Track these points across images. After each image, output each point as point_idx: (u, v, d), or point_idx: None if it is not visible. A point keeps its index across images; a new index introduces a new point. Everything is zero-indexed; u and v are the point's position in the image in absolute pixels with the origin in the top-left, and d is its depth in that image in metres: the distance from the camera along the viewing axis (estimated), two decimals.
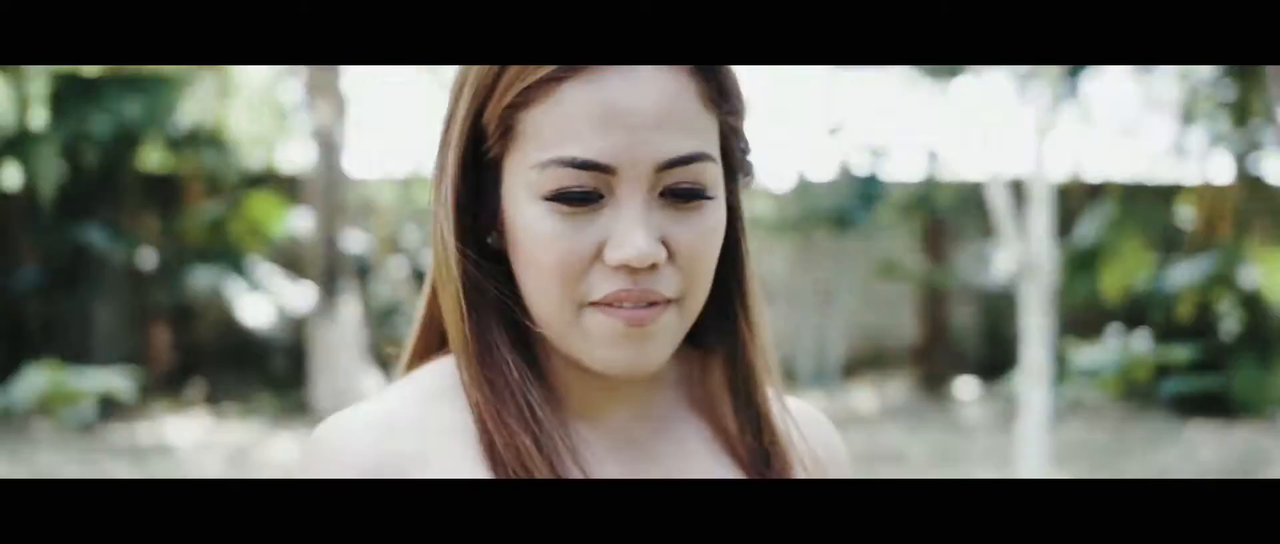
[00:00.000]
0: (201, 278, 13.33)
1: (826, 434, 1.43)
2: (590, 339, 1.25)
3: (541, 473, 1.25)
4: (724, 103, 1.27)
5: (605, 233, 1.22)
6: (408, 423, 1.28)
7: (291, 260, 13.81)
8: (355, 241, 13.48)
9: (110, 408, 12.25)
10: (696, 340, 1.34)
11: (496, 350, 1.29)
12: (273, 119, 16.12)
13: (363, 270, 13.69)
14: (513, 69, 1.23)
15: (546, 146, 1.22)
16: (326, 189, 12.38)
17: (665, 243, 1.23)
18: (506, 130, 1.24)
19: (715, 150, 1.25)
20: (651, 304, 1.23)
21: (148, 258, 13.63)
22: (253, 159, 15.07)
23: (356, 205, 13.86)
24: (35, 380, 11.67)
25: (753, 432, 1.35)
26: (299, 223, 13.52)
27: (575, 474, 1.27)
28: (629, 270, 1.22)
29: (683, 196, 1.23)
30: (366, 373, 12.40)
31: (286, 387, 13.45)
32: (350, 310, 12.38)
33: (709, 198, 1.25)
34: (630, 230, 1.21)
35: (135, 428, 11.99)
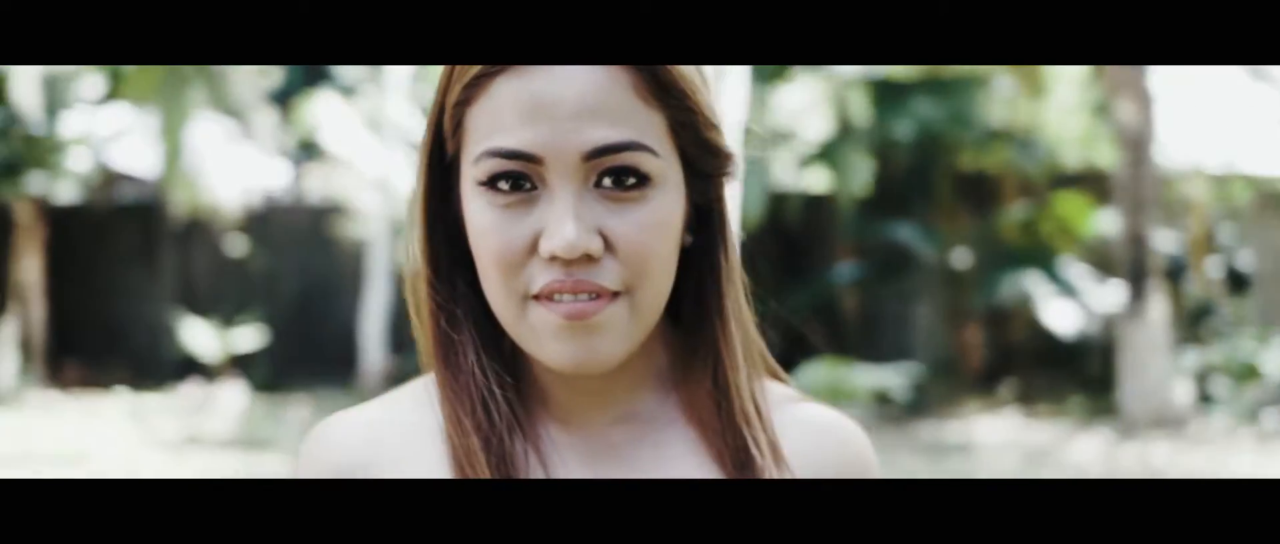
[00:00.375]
0: (1013, 281, 13.63)
1: (833, 442, 1.40)
2: (536, 333, 1.26)
3: (485, 474, 1.27)
4: (667, 97, 1.26)
5: (541, 224, 1.23)
6: (393, 425, 1.35)
7: (1102, 260, 13.84)
8: (1165, 240, 13.29)
9: (923, 404, 12.85)
10: (682, 340, 1.35)
11: (461, 352, 1.31)
12: (1085, 117, 16.17)
13: (1175, 270, 13.47)
14: (458, 69, 1.27)
15: (481, 139, 1.24)
16: (1134, 187, 12.32)
17: (603, 235, 1.23)
18: (456, 128, 1.28)
19: (656, 143, 1.25)
20: (595, 298, 1.23)
21: (961, 258, 14.14)
22: (1067, 158, 15.22)
23: (1168, 202, 13.65)
24: (814, 374, 12.32)
25: (731, 434, 1.33)
26: (1108, 222, 13.53)
27: (526, 476, 1.29)
28: (563, 262, 1.23)
29: (618, 187, 1.23)
30: (1176, 376, 12.23)
31: (1097, 389, 13.50)
32: (1158, 311, 12.25)
33: (647, 189, 1.24)
34: (561, 221, 1.22)
35: (945, 425, 12.52)
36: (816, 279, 14.13)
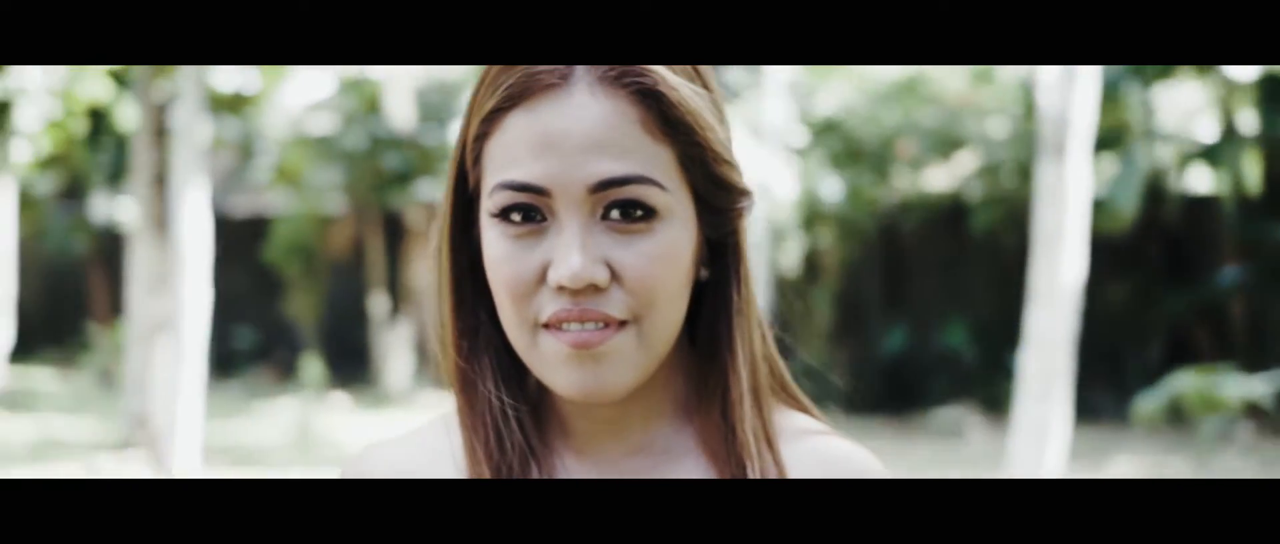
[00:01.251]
0: None
1: (846, 474, 1.42)
2: (546, 361, 1.33)
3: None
4: (675, 133, 1.32)
5: (550, 255, 1.31)
6: (422, 451, 1.45)
7: None
8: None
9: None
10: (695, 372, 1.42)
11: (480, 381, 1.40)
12: None
13: None
14: (477, 104, 1.35)
15: (496, 172, 1.32)
16: None
17: (610, 265, 1.30)
18: (476, 161, 1.36)
19: (663, 177, 1.31)
20: (603, 327, 1.30)
21: None
22: None
23: None
24: (1181, 382, 12.11)
25: (736, 465, 1.38)
26: None
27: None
28: (570, 292, 1.30)
29: (626, 219, 1.30)
30: None
31: None
32: None
33: (654, 221, 1.31)
34: (568, 252, 1.28)
35: None
36: (1201, 283, 14.02)
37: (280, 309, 17.71)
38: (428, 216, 16.91)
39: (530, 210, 1.31)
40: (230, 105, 15.47)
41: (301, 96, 16.01)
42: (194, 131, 9.99)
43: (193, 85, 10.16)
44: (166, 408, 10.15)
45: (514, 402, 1.39)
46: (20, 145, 14.09)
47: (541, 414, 1.42)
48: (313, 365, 16.28)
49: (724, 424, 1.38)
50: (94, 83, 13.56)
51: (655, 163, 1.31)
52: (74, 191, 19.15)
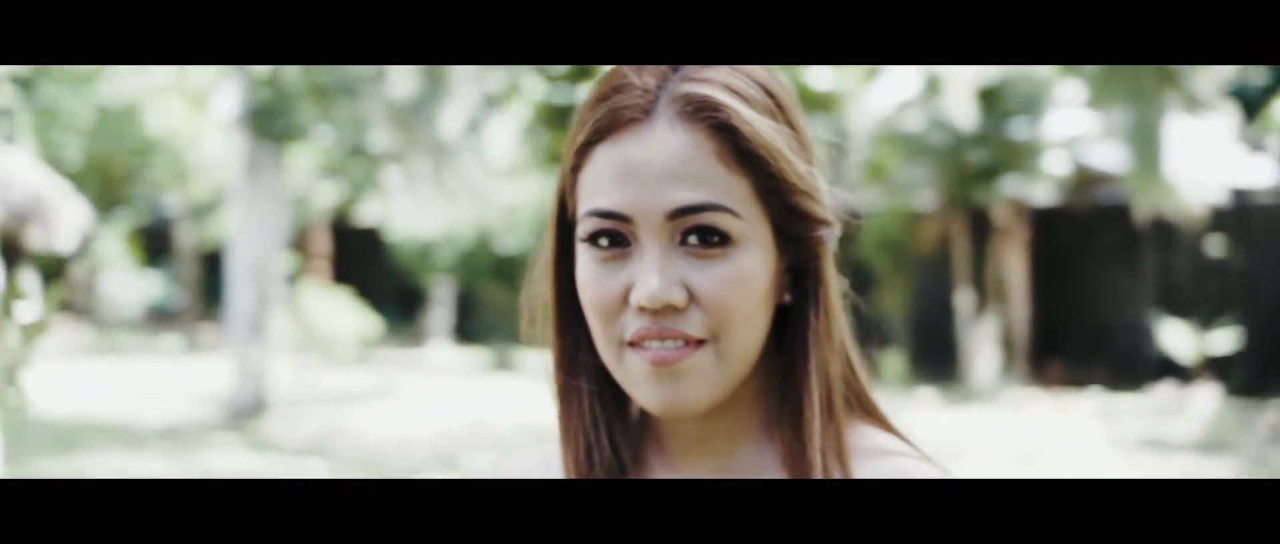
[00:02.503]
0: None
1: None
2: (631, 377, 1.44)
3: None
4: (750, 164, 1.42)
5: (632, 277, 1.42)
6: (545, 463, 1.60)
7: None
8: None
9: None
10: (776, 392, 1.51)
11: (577, 398, 1.52)
12: None
13: None
14: (571, 137, 1.47)
15: (586, 200, 1.44)
16: None
17: (688, 287, 1.41)
18: (572, 190, 1.48)
19: (739, 205, 1.41)
20: (682, 345, 1.41)
21: None
22: None
23: None
24: None
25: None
26: None
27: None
28: (651, 312, 1.40)
29: (703, 244, 1.41)
30: None
31: None
32: None
33: (729, 247, 1.41)
34: (648, 274, 1.40)
35: None
36: None
37: (871, 305, 18.26)
38: (1014, 213, 17.11)
39: (616, 236, 1.42)
40: (822, 104, 16.22)
41: (890, 96, 16.55)
42: None
43: None
44: None
45: (608, 418, 1.51)
46: None
47: (641, 431, 1.55)
48: (896, 360, 16.81)
49: (795, 442, 1.46)
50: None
51: (730, 192, 1.41)
52: None
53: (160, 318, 27.08)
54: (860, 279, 18.26)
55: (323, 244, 26.44)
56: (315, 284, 23.56)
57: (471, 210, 19.86)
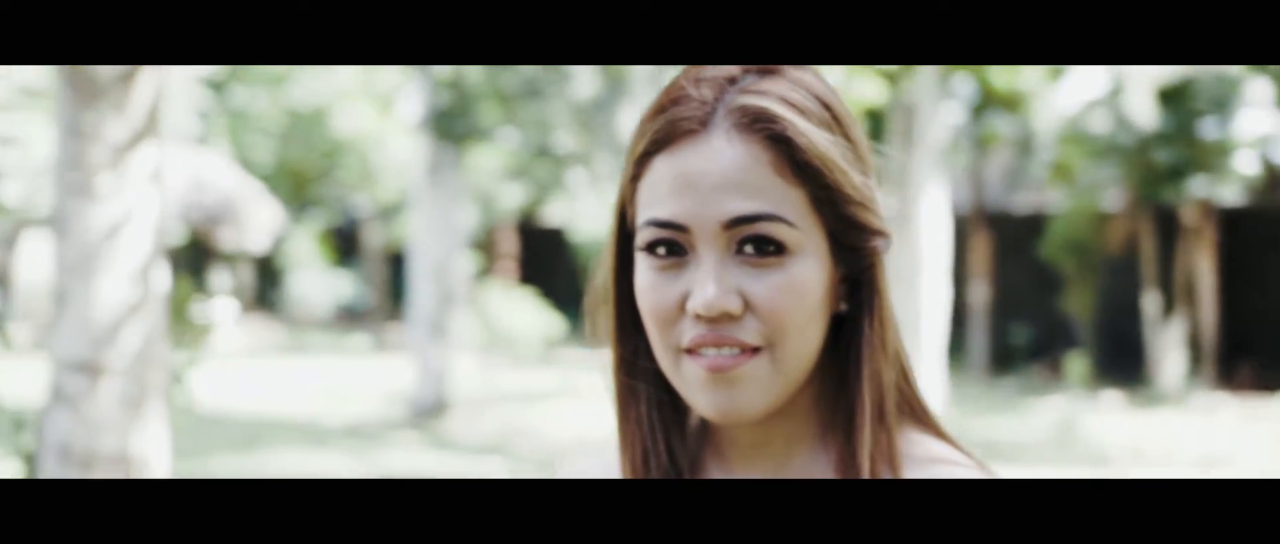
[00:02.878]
0: None
1: None
2: (688, 384, 1.47)
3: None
4: (805, 176, 1.45)
5: (689, 285, 1.45)
6: (608, 466, 1.63)
7: None
8: None
9: None
10: (830, 401, 1.53)
11: (635, 404, 1.56)
12: None
13: None
14: (631, 149, 1.50)
15: (644, 210, 1.48)
16: None
17: (743, 296, 1.44)
18: (631, 200, 1.51)
19: (794, 215, 1.44)
20: (738, 352, 1.44)
21: None
22: None
23: None
24: None
25: None
26: None
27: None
28: (707, 319, 1.44)
29: (759, 253, 1.44)
30: None
31: None
32: None
33: (784, 257, 1.44)
34: (704, 283, 1.43)
35: None
36: None
37: (1057, 306, 18.13)
38: (1202, 213, 16.81)
39: (673, 245, 1.45)
40: (1008, 103, 16.09)
41: (1076, 94, 16.37)
42: (931, 132, 10.63)
43: (932, 85, 10.79)
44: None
45: (665, 424, 1.54)
46: None
47: (699, 437, 1.58)
48: (1079, 363, 16.61)
49: (847, 449, 1.49)
50: (868, 84, 14.53)
51: (786, 202, 1.43)
52: None
53: (349, 317, 27.66)
54: (1045, 280, 18.22)
55: (509, 245, 26.79)
56: (499, 284, 23.89)
57: None
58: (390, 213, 25.02)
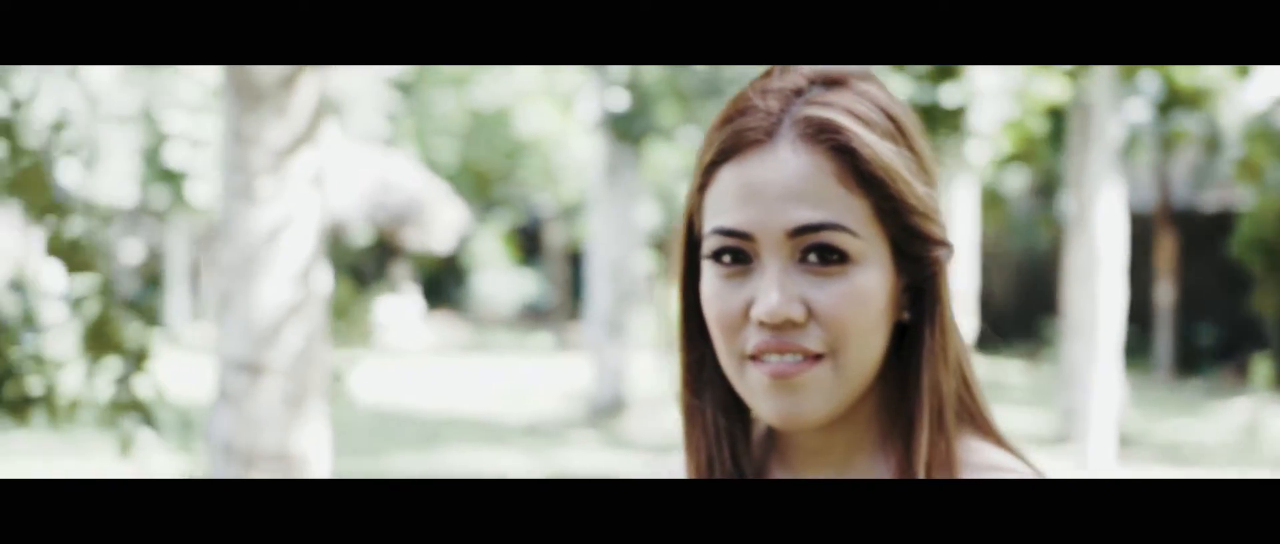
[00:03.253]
0: None
1: None
2: (751, 390, 1.49)
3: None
4: (869, 186, 1.47)
5: (754, 293, 1.47)
6: (681, 472, 1.63)
7: None
8: None
9: None
10: (891, 409, 1.55)
11: (701, 411, 1.58)
12: None
13: None
14: (698, 156, 1.53)
15: (711, 219, 1.50)
16: None
17: (807, 304, 1.46)
18: (698, 209, 1.53)
19: (857, 225, 1.46)
20: (801, 359, 1.46)
21: None
22: None
23: None
24: None
25: None
26: None
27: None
28: (771, 327, 1.46)
29: (822, 262, 1.46)
30: None
31: None
32: None
33: (847, 266, 1.46)
34: (769, 290, 1.45)
35: None
36: None
37: (1244, 306, 17.70)
38: None
39: (738, 253, 1.48)
40: (1193, 100, 15.77)
41: (1264, 91, 15.98)
42: (1108, 130, 10.47)
43: (1111, 84, 10.62)
44: (1094, 403, 10.71)
45: (730, 430, 1.57)
46: (979, 145, 15.16)
47: (765, 443, 1.61)
48: (1267, 365, 16.19)
49: (906, 456, 1.51)
50: (1050, 83, 14.36)
51: (849, 212, 1.46)
52: (1047, 188, 20.15)
53: (533, 316, 27.94)
54: (1233, 279, 17.82)
55: None
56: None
57: None
58: (572, 212, 25.22)
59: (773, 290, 1.45)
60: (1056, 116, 15.81)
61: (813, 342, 1.46)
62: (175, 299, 24.15)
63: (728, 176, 1.49)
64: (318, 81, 5.27)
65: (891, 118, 1.50)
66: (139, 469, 5.95)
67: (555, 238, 26.10)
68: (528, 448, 12.82)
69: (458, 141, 25.02)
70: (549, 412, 15.49)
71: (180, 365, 14.06)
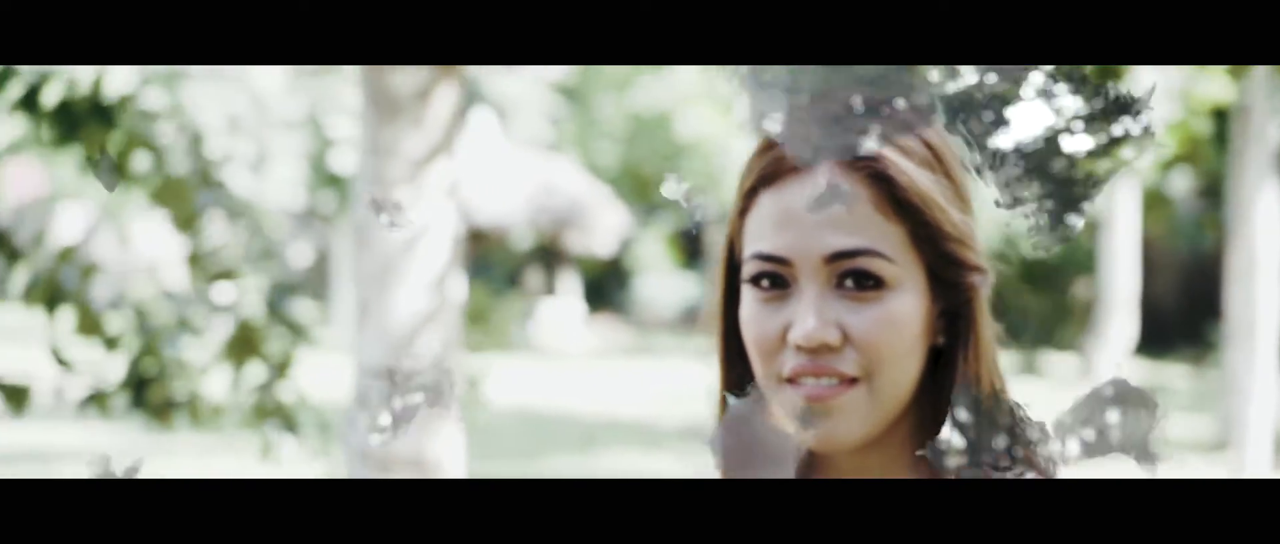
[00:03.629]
0: None
1: None
2: (788, 413, 1.49)
3: None
4: (905, 213, 1.49)
5: (791, 317, 1.48)
6: None
7: None
8: None
9: None
10: (925, 433, 1.53)
11: None
12: None
13: None
14: (739, 181, 1.55)
15: (750, 243, 1.52)
16: None
17: (842, 328, 1.47)
18: (738, 233, 1.55)
19: (893, 251, 1.48)
20: (837, 383, 1.48)
21: None
22: None
23: None
24: None
25: None
26: None
27: None
28: (807, 350, 1.47)
29: (858, 287, 1.47)
30: None
31: None
32: None
33: (883, 291, 1.48)
34: (805, 315, 1.47)
35: None
36: None
37: None
38: None
39: (776, 277, 1.50)
40: None
41: None
42: (1268, 132, 10.27)
43: (1269, 86, 10.40)
44: (1252, 409, 10.50)
45: None
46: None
47: (804, 466, 1.58)
48: None
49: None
50: (1215, 83, 14.10)
51: (885, 238, 1.48)
52: (1213, 189, 19.79)
53: (695, 319, 27.88)
54: None
55: None
56: None
57: (995, 214, 19.67)
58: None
59: (809, 315, 1.46)
60: (1220, 118, 15.52)
61: (848, 366, 1.47)
62: (339, 301, 24.56)
63: (767, 202, 1.51)
64: (453, 92, 5.36)
65: (929, 146, 1.52)
66: (280, 470, 6.08)
67: (718, 240, 26.11)
68: (680, 451, 12.84)
69: (619, 145, 25.16)
70: (705, 415, 15.46)
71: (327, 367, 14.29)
